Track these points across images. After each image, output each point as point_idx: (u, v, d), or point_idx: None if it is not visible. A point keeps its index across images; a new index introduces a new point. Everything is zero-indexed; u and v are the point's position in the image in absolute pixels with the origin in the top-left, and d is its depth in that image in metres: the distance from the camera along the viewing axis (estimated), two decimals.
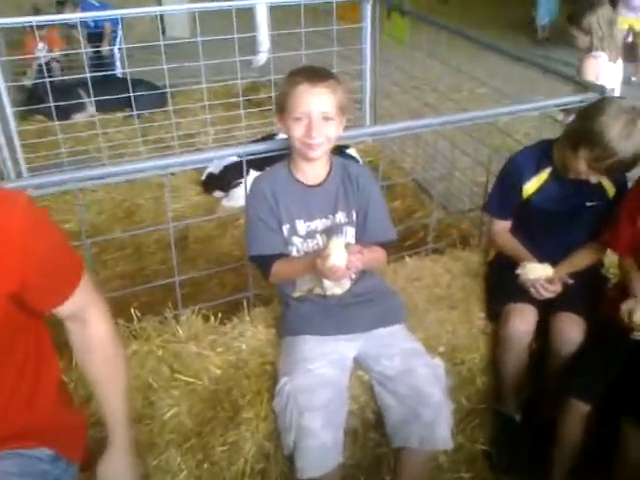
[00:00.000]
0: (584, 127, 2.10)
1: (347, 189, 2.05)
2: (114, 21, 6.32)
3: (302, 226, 2.03)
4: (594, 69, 3.51)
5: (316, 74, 1.90)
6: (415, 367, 1.94)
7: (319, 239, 2.05)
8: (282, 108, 1.92)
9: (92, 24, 6.19)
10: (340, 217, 2.05)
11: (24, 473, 1.38)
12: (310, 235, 2.04)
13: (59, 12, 6.22)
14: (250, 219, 2.03)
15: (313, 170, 2.03)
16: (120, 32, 6.11)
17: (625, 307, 2.05)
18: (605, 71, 3.53)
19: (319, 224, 2.05)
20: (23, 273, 1.26)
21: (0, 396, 1.38)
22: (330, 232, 2.01)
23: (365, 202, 2.05)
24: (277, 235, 2.01)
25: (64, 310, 1.41)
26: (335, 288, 2.06)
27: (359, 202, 2.06)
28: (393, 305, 2.16)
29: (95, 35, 6.36)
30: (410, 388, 1.91)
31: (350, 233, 2.06)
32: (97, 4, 6.41)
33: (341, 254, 1.78)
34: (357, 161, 3.87)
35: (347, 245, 1.84)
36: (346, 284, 2.06)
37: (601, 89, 2.69)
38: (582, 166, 2.13)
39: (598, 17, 3.52)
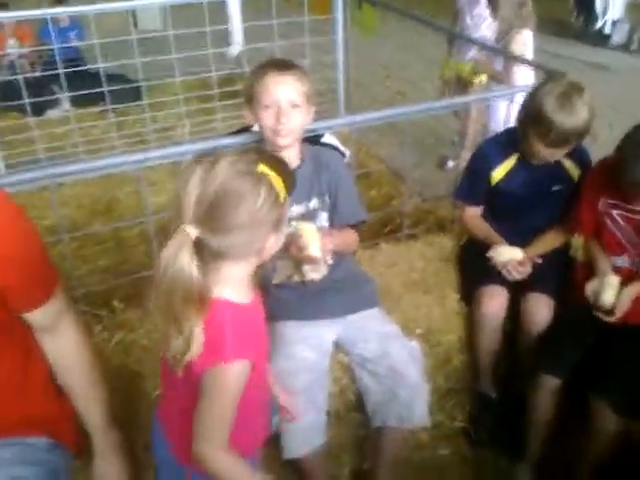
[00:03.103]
0: (526, 108, 2.22)
1: (319, 175, 2.11)
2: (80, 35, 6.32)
3: None
4: (522, 45, 3.82)
5: (283, 63, 1.98)
6: (392, 349, 2.02)
7: (294, 226, 2.10)
8: (251, 98, 1.98)
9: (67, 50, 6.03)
10: (314, 203, 2.11)
11: (24, 461, 1.42)
12: None
13: None
14: None
15: (286, 159, 2.07)
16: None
17: (590, 287, 2.13)
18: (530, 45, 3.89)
19: (294, 210, 2.08)
20: (2, 268, 1.28)
21: None
22: (305, 219, 2.07)
23: (335, 185, 2.12)
24: None
25: (37, 318, 1.42)
26: (313, 274, 2.12)
27: (330, 186, 2.12)
28: (368, 290, 2.22)
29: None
30: (388, 369, 1.99)
31: (324, 218, 2.13)
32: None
33: (316, 243, 1.84)
34: (334, 147, 3.90)
35: (318, 229, 1.90)
36: (323, 270, 2.12)
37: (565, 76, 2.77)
38: (537, 146, 2.19)
39: None
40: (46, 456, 1.49)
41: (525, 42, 3.86)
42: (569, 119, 2.09)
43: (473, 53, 4.26)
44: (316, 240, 1.86)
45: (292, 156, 2.08)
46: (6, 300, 1.34)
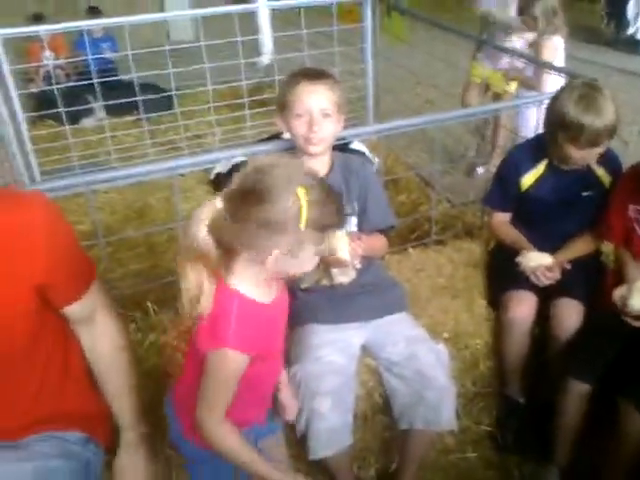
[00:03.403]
0: (551, 115, 2.23)
1: (348, 181, 2.13)
2: (113, 47, 6.45)
3: None
4: (553, 52, 3.85)
5: (314, 73, 2.01)
6: (419, 352, 2.03)
7: None
8: (283, 107, 2.01)
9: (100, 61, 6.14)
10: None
11: (61, 455, 1.47)
12: None
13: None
14: None
15: (316, 165, 2.11)
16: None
17: (618, 293, 2.12)
18: (561, 51, 3.92)
19: None
20: (47, 266, 1.35)
21: (32, 381, 1.48)
22: None
23: (364, 191, 2.14)
24: None
25: (75, 310, 1.49)
26: (342, 277, 2.14)
27: (359, 192, 2.14)
28: (396, 294, 2.24)
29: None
30: (415, 372, 2.00)
31: (353, 223, 2.15)
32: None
33: (346, 247, 1.87)
34: (363, 153, 3.93)
35: (347, 233, 1.93)
36: (352, 274, 2.15)
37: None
38: (569, 151, 2.19)
39: (545, 6, 3.84)
40: (82, 451, 1.55)
41: (556, 47, 3.87)
42: (598, 119, 2.10)
43: (506, 61, 4.26)
44: (345, 243, 1.88)
45: (322, 164, 2.11)
46: (48, 296, 1.40)
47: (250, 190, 1.33)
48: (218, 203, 1.36)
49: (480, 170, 4.61)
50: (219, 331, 1.40)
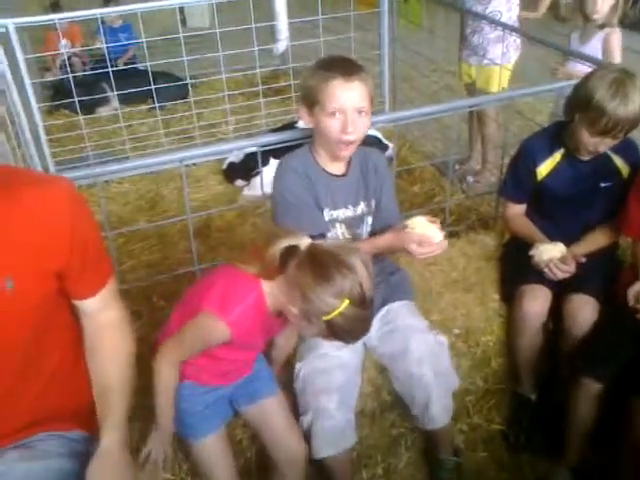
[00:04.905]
0: (576, 94, 2.16)
1: (367, 178, 2.06)
2: (131, 37, 6.38)
3: (326, 214, 2.02)
4: (619, 44, 3.55)
5: (348, 67, 1.84)
6: (412, 345, 1.98)
7: (338, 228, 2.05)
8: (312, 102, 1.85)
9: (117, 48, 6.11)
10: (362, 207, 2.07)
11: (68, 454, 1.44)
12: (331, 223, 2.04)
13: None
14: (285, 200, 1.94)
15: (335, 164, 2.02)
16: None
17: (632, 291, 2.05)
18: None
19: (340, 214, 2.04)
20: (69, 252, 1.33)
21: (42, 376, 1.46)
22: (353, 223, 2.05)
23: (380, 188, 2.08)
24: (317, 212, 1.97)
25: (90, 305, 1.47)
26: None
27: (375, 189, 2.08)
28: (400, 282, 2.20)
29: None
30: (403, 372, 1.98)
31: (369, 221, 2.10)
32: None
33: (436, 230, 1.87)
34: (379, 140, 3.86)
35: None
36: None
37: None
38: (584, 135, 2.13)
39: None
40: (86, 449, 1.52)
41: (620, 40, 3.57)
42: (622, 107, 2.02)
43: (493, 56, 3.95)
44: (433, 227, 1.87)
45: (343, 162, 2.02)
46: (64, 283, 1.39)
47: (322, 265, 1.46)
48: (303, 244, 1.52)
49: (470, 179, 4.14)
50: (228, 305, 1.56)
